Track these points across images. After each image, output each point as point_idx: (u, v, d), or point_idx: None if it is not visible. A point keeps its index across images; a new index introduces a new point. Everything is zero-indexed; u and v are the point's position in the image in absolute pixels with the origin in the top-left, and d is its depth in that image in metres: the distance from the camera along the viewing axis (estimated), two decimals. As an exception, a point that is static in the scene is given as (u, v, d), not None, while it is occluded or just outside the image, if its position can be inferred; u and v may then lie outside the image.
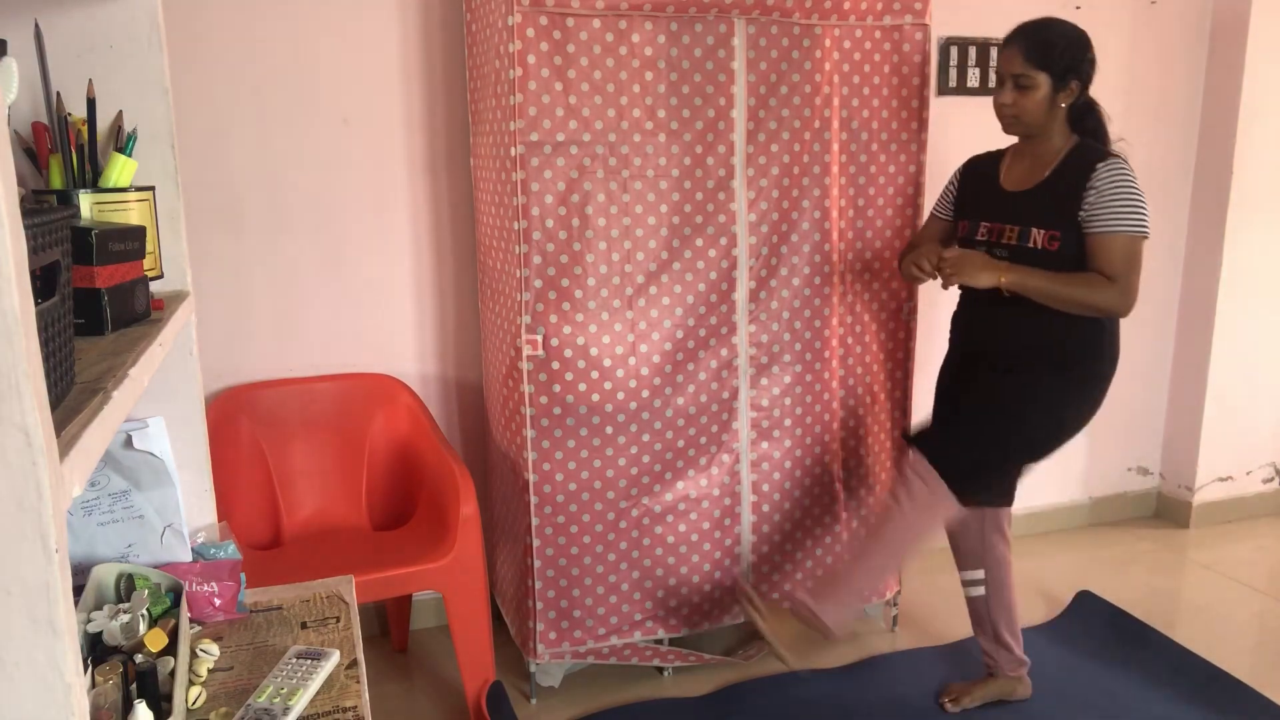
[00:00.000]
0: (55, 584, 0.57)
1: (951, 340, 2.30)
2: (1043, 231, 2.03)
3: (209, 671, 1.18)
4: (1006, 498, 2.25)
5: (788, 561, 2.46)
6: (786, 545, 2.45)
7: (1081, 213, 1.98)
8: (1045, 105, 2.01)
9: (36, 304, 0.64)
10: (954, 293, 2.26)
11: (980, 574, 2.27)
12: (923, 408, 2.84)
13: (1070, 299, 2.00)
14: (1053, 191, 2.03)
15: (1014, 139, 2.16)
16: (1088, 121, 2.07)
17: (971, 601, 2.32)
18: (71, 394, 0.76)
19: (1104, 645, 2.62)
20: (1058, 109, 2.03)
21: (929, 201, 2.49)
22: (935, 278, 2.09)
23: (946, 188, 2.30)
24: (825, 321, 2.39)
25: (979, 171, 2.23)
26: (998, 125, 2.10)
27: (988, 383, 2.14)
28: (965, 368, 2.23)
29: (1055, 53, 1.98)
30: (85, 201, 1.21)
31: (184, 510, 1.31)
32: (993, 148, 2.24)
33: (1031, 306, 2.03)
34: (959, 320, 2.27)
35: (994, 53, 2.17)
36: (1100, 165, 1.97)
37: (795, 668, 2.23)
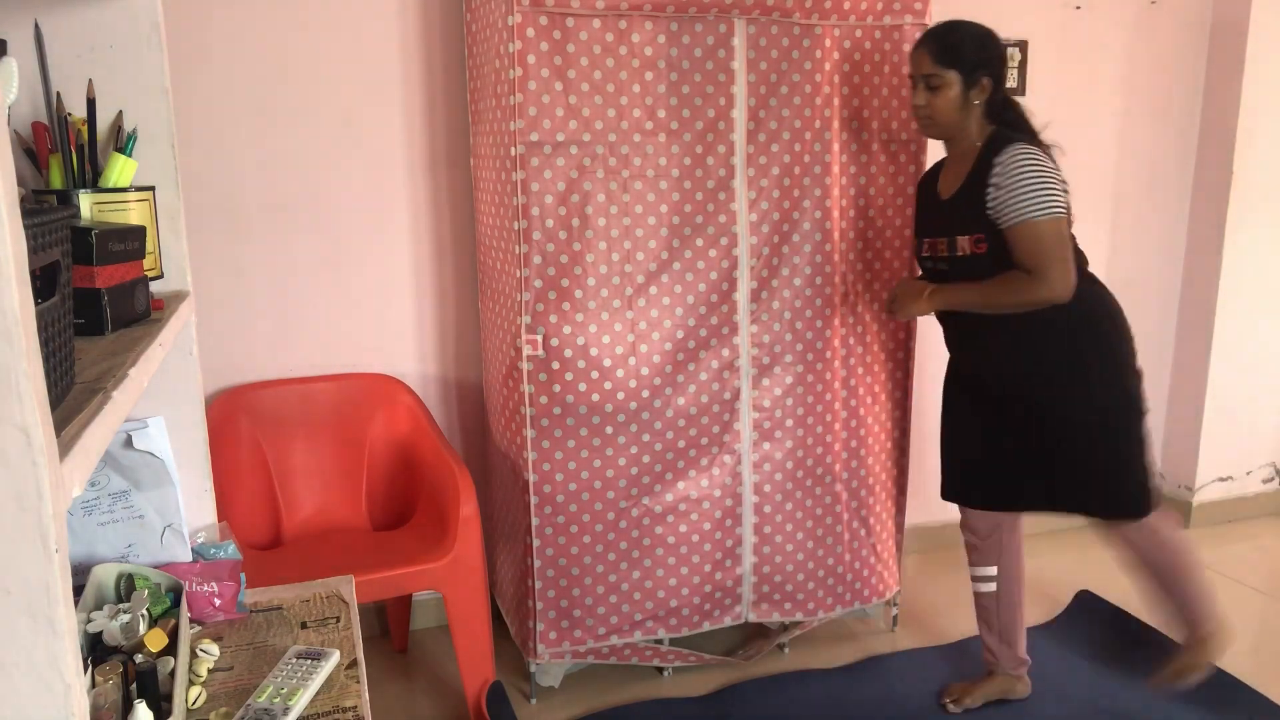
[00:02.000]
0: (55, 584, 0.57)
1: (949, 360, 2.30)
2: (967, 237, 2.05)
3: (209, 671, 1.18)
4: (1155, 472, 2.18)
5: (789, 563, 2.46)
6: (788, 546, 2.45)
7: (989, 211, 1.99)
8: (958, 103, 2.05)
9: (36, 304, 0.64)
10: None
11: (993, 570, 2.28)
12: (923, 408, 2.84)
13: (998, 303, 2.04)
14: (971, 193, 2.05)
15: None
16: (1006, 117, 2.09)
17: (980, 597, 2.32)
18: (71, 394, 0.76)
19: (1104, 645, 2.62)
20: (971, 106, 2.06)
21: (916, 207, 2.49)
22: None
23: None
24: (827, 321, 2.39)
25: (925, 186, 2.27)
26: (919, 129, 2.16)
27: (1024, 422, 2.11)
28: (978, 397, 2.21)
29: (963, 51, 2.03)
30: (85, 201, 1.21)
31: (184, 510, 1.31)
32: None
33: (998, 319, 2.06)
34: (947, 341, 2.28)
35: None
36: (997, 159, 1.99)
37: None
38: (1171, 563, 2.17)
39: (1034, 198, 1.94)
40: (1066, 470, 2.11)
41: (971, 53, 2.03)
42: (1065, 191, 1.98)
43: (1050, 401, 2.09)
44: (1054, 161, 2.00)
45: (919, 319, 2.55)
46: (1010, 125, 2.08)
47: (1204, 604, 2.20)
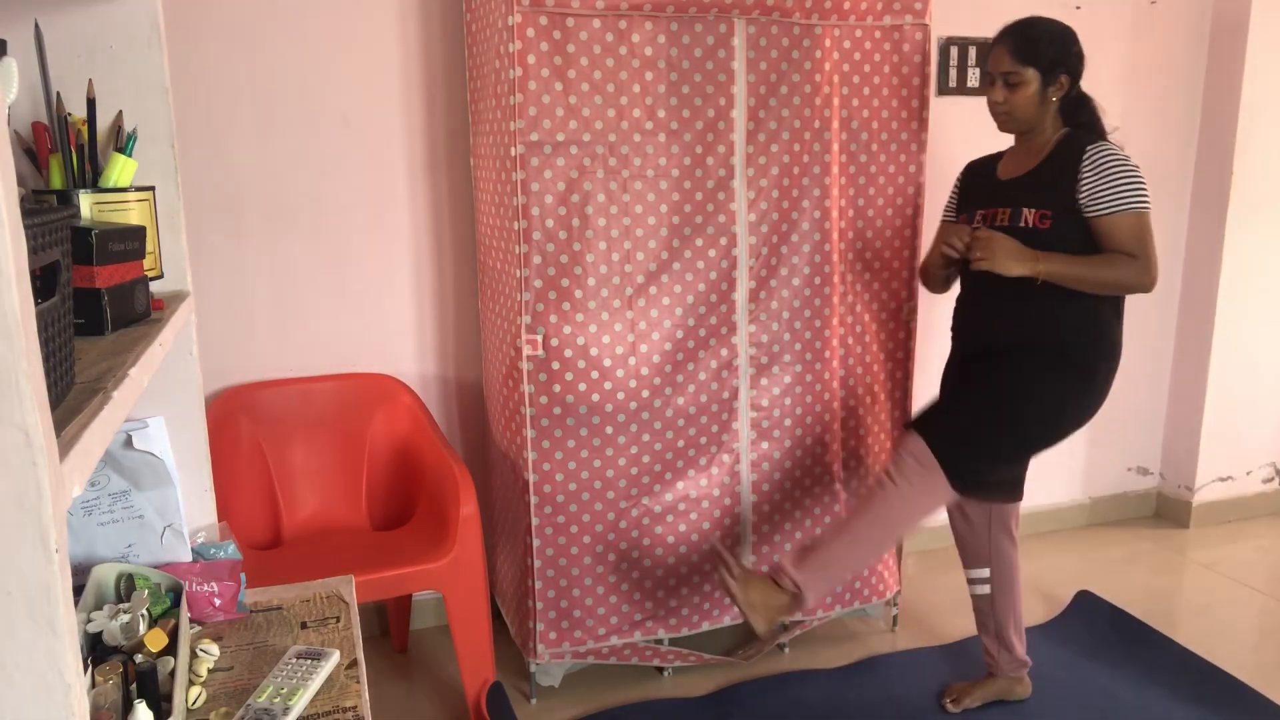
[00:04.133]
0: (55, 584, 0.57)
1: (954, 336, 2.29)
2: (1034, 211, 2.05)
3: (209, 671, 1.18)
4: (1010, 493, 2.24)
5: (788, 561, 2.46)
6: (787, 545, 2.45)
7: (1080, 197, 2.00)
8: (1036, 100, 2.05)
9: (36, 304, 0.64)
10: (954, 293, 2.26)
11: (986, 572, 2.27)
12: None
13: (1101, 280, 2.02)
14: (1043, 175, 2.06)
15: (1011, 141, 2.18)
16: (1081, 115, 2.10)
17: (976, 600, 2.32)
18: (71, 394, 0.76)
19: (1104, 645, 2.62)
20: (1048, 103, 2.07)
21: (929, 201, 2.49)
22: (966, 256, 2.08)
23: (951, 193, 2.32)
24: (825, 321, 2.39)
25: (978, 170, 2.27)
26: (996, 125, 2.12)
27: (987, 373, 2.13)
28: (967, 363, 2.22)
29: (1041, 48, 2.03)
30: (85, 201, 1.21)
31: (184, 510, 1.31)
32: (992, 147, 2.25)
33: (1030, 300, 2.04)
34: (959, 315, 2.26)
35: (994, 53, 2.18)
36: (1090, 148, 2.01)
37: (762, 634, 2.16)
38: (882, 522, 2.09)
39: (1139, 191, 1.98)
40: (964, 407, 2.13)
41: (1050, 50, 2.03)
42: None
43: (1025, 377, 2.09)
44: None
45: (918, 321, 2.55)
46: (1085, 125, 2.09)
47: (833, 574, 2.10)
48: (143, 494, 1.27)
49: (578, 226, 2.15)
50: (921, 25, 2.37)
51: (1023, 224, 2.06)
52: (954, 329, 2.28)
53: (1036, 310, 2.06)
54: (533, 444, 2.21)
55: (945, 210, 2.34)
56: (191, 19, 2.29)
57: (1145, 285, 2.02)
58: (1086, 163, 2.00)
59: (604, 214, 2.16)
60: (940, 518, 2.38)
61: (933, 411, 2.22)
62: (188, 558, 1.32)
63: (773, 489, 2.41)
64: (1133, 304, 2.15)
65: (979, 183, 2.23)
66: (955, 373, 2.28)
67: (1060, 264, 2.00)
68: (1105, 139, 2.05)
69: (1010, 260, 2.01)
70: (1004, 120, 2.11)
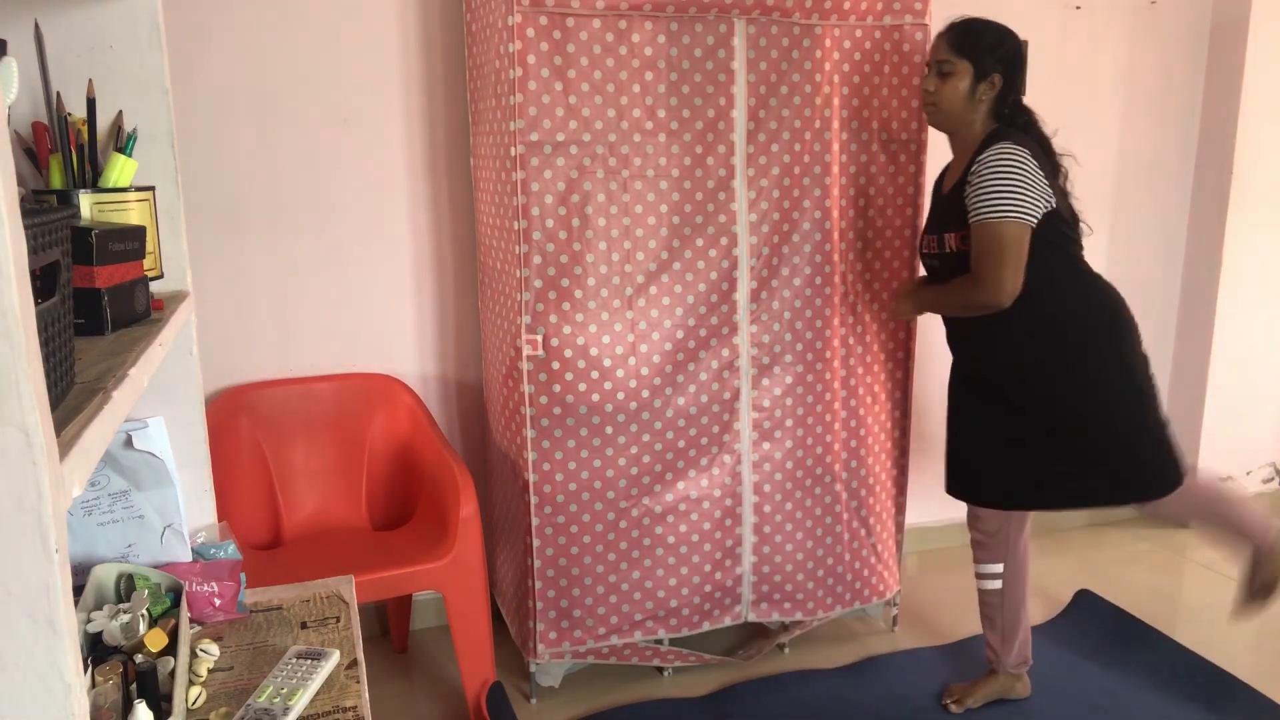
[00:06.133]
0: (55, 584, 0.57)
1: (952, 354, 2.28)
2: (953, 234, 2.05)
3: (209, 671, 1.18)
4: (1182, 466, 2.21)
5: (789, 563, 2.46)
6: (787, 546, 2.45)
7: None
8: (965, 95, 2.03)
9: (36, 304, 0.64)
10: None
11: (999, 568, 2.27)
12: (923, 408, 2.84)
13: (950, 306, 2.10)
14: (960, 189, 2.03)
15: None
16: (1016, 120, 2.07)
17: (984, 594, 2.31)
18: (71, 394, 0.76)
19: (1104, 645, 2.62)
20: (978, 101, 2.04)
21: (929, 201, 2.49)
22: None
23: None
24: (826, 322, 2.39)
25: (937, 181, 2.26)
26: (926, 118, 2.15)
27: (1044, 414, 2.09)
28: (985, 395, 2.18)
29: (980, 42, 2.02)
30: (85, 201, 1.21)
31: (184, 510, 1.31)
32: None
33: (992, 325, 2.04)
34: (948, 338, 2.26)
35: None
36: (980, 157, 1.97)
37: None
38: (1206, 505, 2.16)
39: (996, 198, 1.92)
40: (1083, 464, 2.09)
41: (987, 46, 2.02)
42: (1039, 199, 1.94)
43: (1051, 395, 2.07)
44: (1039, 168, 1.95)
45: (918, 322, 2.55)
46: (1019, 129, 2.05)
47: (1254, 518, 2.13)
48: (143, 494, 1.27)
49: (578, 226, 2.15)
50: (921, 25, 2.37)
51: (947, 250, 2.07)
52: (950, 346, 2.27)
53: (1008, 316, 2.02)
54: (533, 444, 2.21)
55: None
56: (191, 19, 2.29)
57: (989, 304, 1.97)
58: (972, 170, 1.97)
59: (604, 214, 2.16)
60: (951, 515, 2.38)
61: (975, 468, 2.22)
62: (188, 558, 1.32)
63: (774, 489, 2.41)
64: (1133, 304, 2.14)
65: (933, 198, 2.23)
66: (972, 406, 2.21)
67: (922, 296, 2.16)
68: (1007, 140, 1.96)
69: (896, 307, 2.27)
70: (931, 112, 2.10)
